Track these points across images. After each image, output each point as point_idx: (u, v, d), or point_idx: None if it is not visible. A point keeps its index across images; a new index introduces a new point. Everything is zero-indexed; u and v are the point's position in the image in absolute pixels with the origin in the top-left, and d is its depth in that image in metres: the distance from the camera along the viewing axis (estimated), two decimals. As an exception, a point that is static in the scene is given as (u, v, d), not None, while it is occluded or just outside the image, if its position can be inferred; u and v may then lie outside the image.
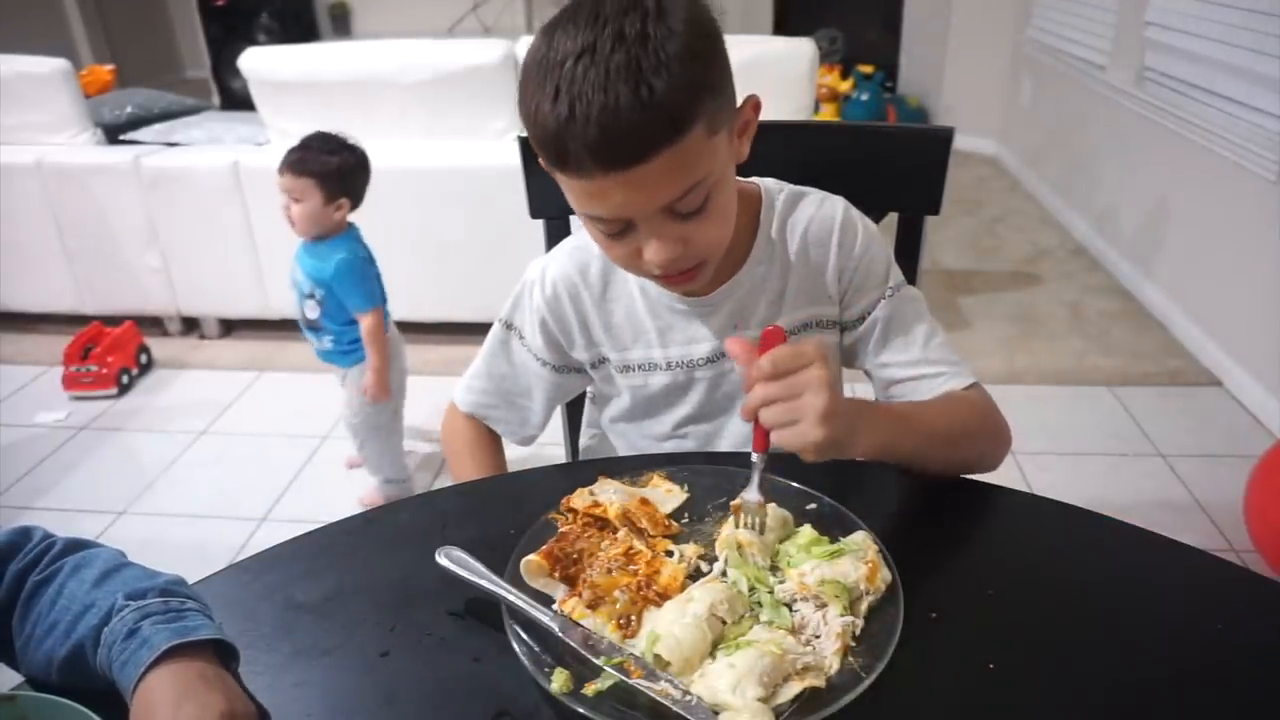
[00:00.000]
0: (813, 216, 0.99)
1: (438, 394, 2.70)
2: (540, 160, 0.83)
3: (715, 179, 0.81)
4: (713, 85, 0.78)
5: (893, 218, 1.14)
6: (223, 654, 0.65)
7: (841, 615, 0.69)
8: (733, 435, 1.05)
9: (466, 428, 1.09)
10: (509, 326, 1.05)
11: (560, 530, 0.79)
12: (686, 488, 0.86)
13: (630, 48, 0.72)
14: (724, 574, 0.75)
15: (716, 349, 1.00)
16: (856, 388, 1.13)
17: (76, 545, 0.71)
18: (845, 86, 5.08)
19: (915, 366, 0.97)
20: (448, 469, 2.33)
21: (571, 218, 1.18)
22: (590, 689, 0.65)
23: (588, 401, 1.21)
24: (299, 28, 6.01)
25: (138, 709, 0.60)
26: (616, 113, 0.72)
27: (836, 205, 1.00)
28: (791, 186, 1.01)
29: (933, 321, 0.99)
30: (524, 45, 2.70)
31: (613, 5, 0.75)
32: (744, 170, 0.94)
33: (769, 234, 0.98)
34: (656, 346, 1.01)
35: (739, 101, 0.86)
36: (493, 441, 1.10)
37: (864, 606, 0.71)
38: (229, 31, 5.76)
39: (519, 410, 1.08)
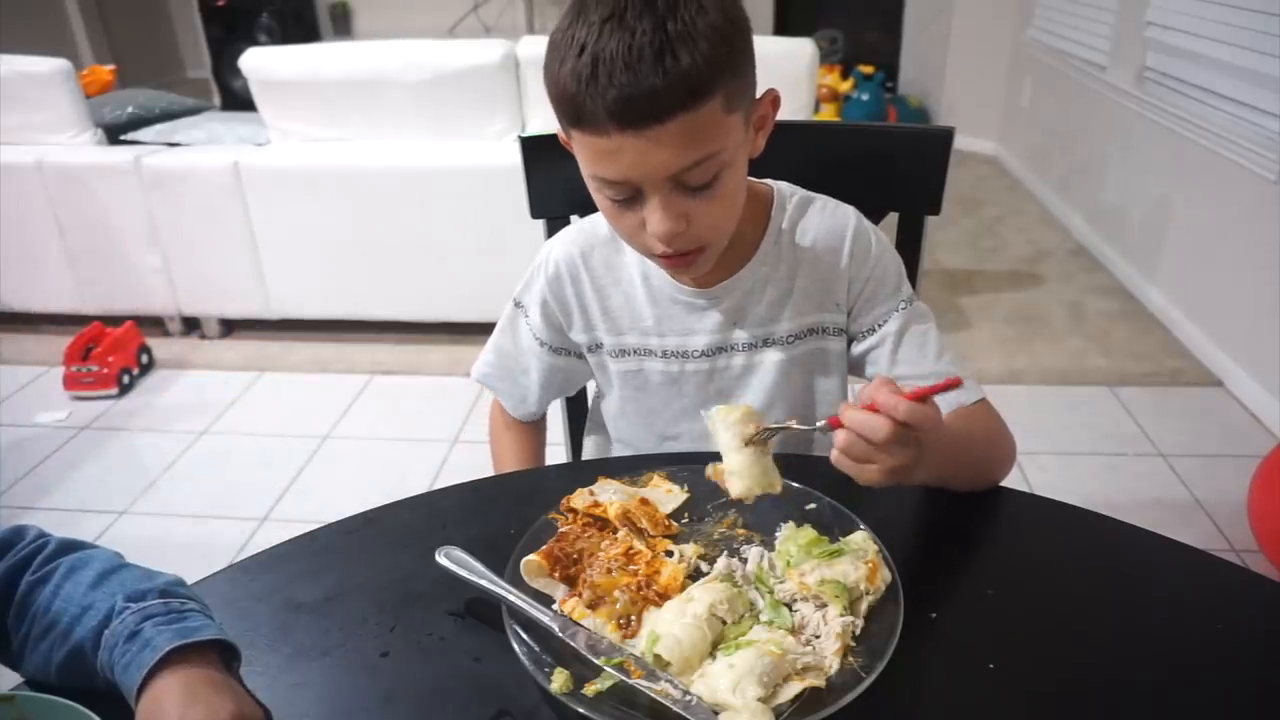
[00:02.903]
0: (824, 223, 0.99)
1: (438, 395, 2.73)
2: (560, 130, 0.86)
3: (726, 159, 0.82)
4: (734, 65, 0.79)
5: (893, 218, 1.14)
6: (224, 654, 0.65)
7: (841, 615, 0.69)
8: None
9: (499, 416, 1.16)
10: (517, 305, 1.08)
11: (560, 530, 0.79)
12: (686, 488, 0.86)
13: (658, 14, 0.75)
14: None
15: (712, 343, 1.01)
16: (855, 388, 1.13)
17: (71, 546, 0.71)
18: (845, 86, 5.08)
19: (927, 380, 0.96)
20: (449, 469, 2.35)
21: (573, 217, 1.18)
22: (590, 689, 0.65)
23: (591, 399, 1.22)
24: (299, 28, 6.01)
25: (144, 712, 0.60)
26: (637, 71, 0.74)
27: (848, 214, 1.00)
28: (804, 191, 1.02)
29: (941, 336, 1.00)
30: (524, 45, 2.70)
31: None
32: (749, 169, 0.94)
33: (777, 235, 0.99)
34: (653, 335, 1.02)
35: (759, 94, 0.87)
36: (521, 429, 1.15)
37: (864, 606, 0.71)
38: (229, 31, 5.75)
39: (519, 387, 1.11)
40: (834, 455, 0.72)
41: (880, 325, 0.99)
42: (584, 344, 1.06)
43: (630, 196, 0.83)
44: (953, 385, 0.69)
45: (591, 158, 0.82)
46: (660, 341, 1.02)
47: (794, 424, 0.77)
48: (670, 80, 0.74)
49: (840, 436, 0.71)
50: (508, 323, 1.09)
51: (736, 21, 0.80)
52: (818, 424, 0.75)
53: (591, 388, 1.21)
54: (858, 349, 1.01)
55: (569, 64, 0.77)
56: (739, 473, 0.76)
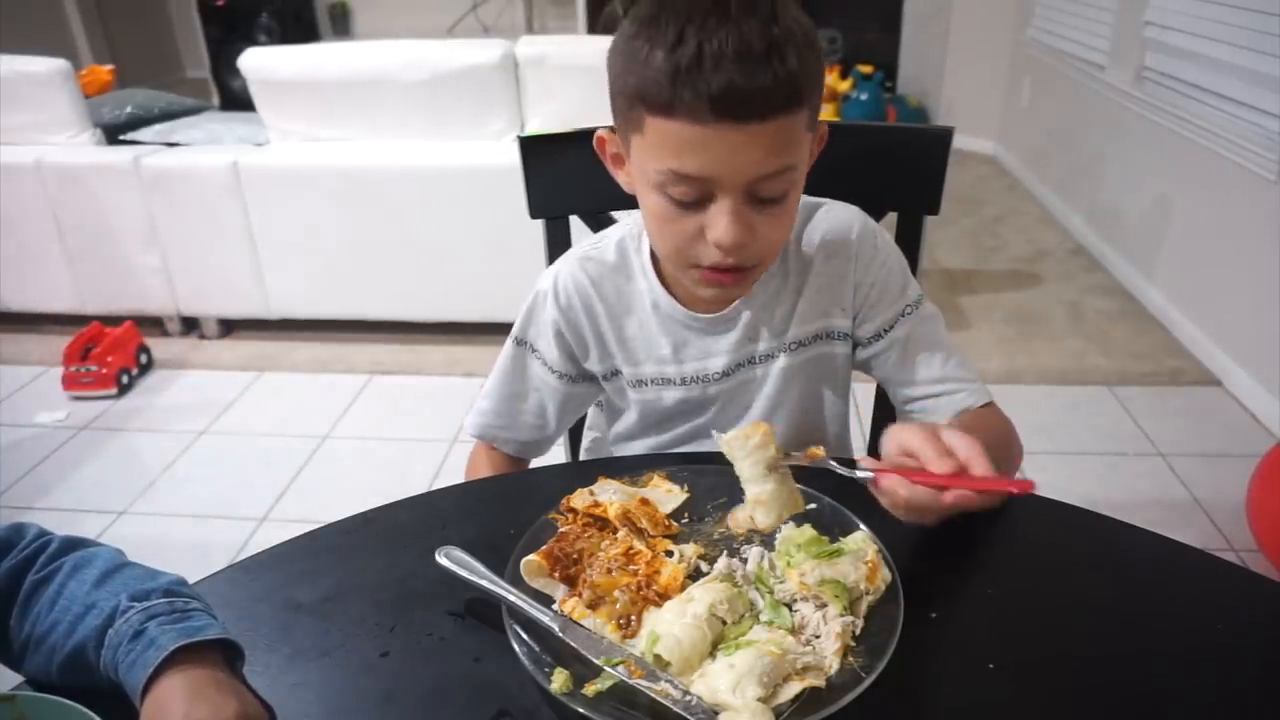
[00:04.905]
0: (828, 228, 0.98)
1: (437, 395, 2.73)
2: (619, 122, 0.83)
3: (798, 176, 0.82)
4: (819, 82, 0.80)
5: (892, 217, 1.14)
6: (227, 653, 0.65)
7: (841, 615, 0.69)
8: None
9: (485, 463, 1.07)
10: (520, 343, 1.03)
11: (560, 530, 0.79)
12: (686, 488, 0.86)
13: (764, 18, 0.74)
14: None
15: (731, 363, 0.99)
16: (856, 388, 1.13)
17: (73, 544, 0.71)
18: (845, 86, 5.08)
19: (933, 385, 0.97)
20: (448, 469, 2.35)
21: (572, 218, 1.18)
22: (590, 689, 0.65)
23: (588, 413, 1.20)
24: (299, 28, 6.01)
25: (149, 712, 0.60)
26: (748, 64, 0.72)
27: (853, 217, 0.99)
28: (806, 196, 0.99)
29: (949, 338, 0.99)
30: (523, 45, 2.70)
31: None
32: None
33: (785, 245, 0.96)
34: (671, 363, 0.99)
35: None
36: (514, 466, 1.09)
37: (864, 606, 0.71)
38: (229, 31, 5.75)
39: (529, 430, 1.05)
40: (885, 503, 0.74)
41: (887, 331, 0.98)
42: (600, 373, 1.03)
43: (698, 200, 0.80)
44: (1025, 489, 0.68)
45: (673, 149, 0.78)
46: (679, 369, 0.99)
47: (828, 459, 0.77)
48: (779, 79, 0.73)
49: (898, 503, 0.72)
50: (510, 364, 1.03)
51: (819, 47, 0.81)
52: (857, 472, 0.74)
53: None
54: (864, 354, 1.01)
55: (662, 51, 0.74)
56: (767, 504, 0.75)
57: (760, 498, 0.76)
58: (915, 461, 0.72)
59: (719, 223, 0.80)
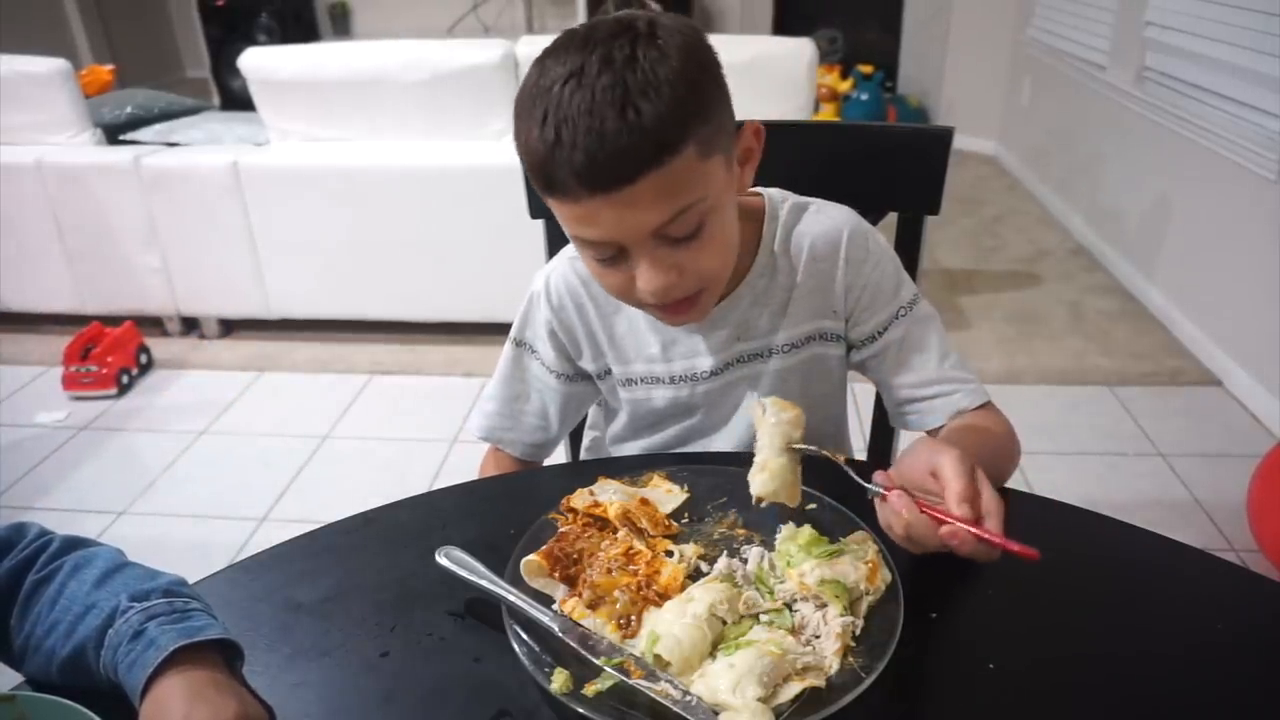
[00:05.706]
0: (818, 229, 0.97)
1: (437, 395, 2.73)
2: (535, 187, 0.83)
3: (710, 205, 0.79)
4: (704, 110, 0.76)
5: (893, 218, 1.14)
6: (227, 654, 0.66)
7: (841, 615, 0.69)
8: (732, 445, 1.04)
9: (493, 468, 1.08)
10: (519, 344, 1.04)
11: (560, 530, 0.79)
12: (686, 488, 0.86)
13: (618, 70, 0.72)
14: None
15: (719, 363, 0.99)
16: (856, 389, 1.13)
17: (74, 544, 0.71)
18: (845, 86, 5.08)
19: (929, 386, 0.96)
20: (448, 469, 2.35)
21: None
22: (590, 689, 0.65)
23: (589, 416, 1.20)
24: (299, 28, 6.00)
25: (148, 712, 0.60)
26: (601, 134, 0.71)
27: (843, 218, 0.97)
28: (796, 197, 0.99)
29: (946, 338, 0.98)
30: (523, 45, 2.70)
31: (604, 30, 0.75)
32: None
33: (772, 247, 0.96)
34: (660, 361, 1.00)
35: (739, 128, 0.84)
36: (522, 470, 1.09)
37: (864, 606, 0.71)
38: (229, 31, 5.74)
39: (533, 431, 1.06)
40: (881, 521, 0.74)
41: (881, 333, 0.97)
42: (593, 372, 1.03)
43: (614, 256, 0.81)
44: (1028, 557, 0.66)
45: (570, 223, 0.80)
46: (668, 368, 1.00)
47: (842, 461, 0.77)
48: (635, 139, 0.71)
49: (898, 524, 0.71)
50: (510, 366, 1.04)
51: (703, 64, 0.77)
52: (870, 486, 0.74)
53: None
54: (858, 356, 1.00)
55: (535, 130, 0.74)
56: (772, 474, 0.76)
57: (766, 464, 0.77)
58: (935, 484, 0.71)
59: (642, 275, 0.81)
